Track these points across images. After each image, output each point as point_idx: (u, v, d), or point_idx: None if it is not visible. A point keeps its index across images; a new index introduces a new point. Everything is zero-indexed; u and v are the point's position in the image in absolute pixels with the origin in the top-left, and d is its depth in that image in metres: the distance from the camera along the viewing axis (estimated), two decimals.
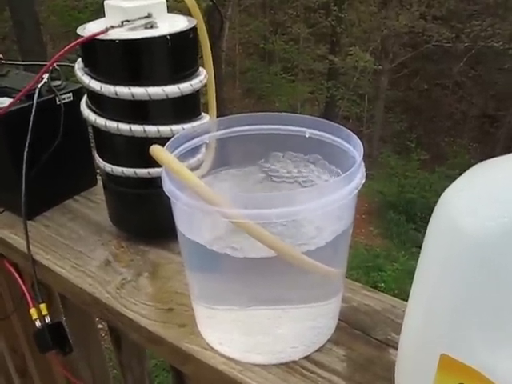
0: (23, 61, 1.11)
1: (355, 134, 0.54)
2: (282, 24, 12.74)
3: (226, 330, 0.57)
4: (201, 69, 0.70)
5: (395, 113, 12.91)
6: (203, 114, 0.73)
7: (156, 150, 0.50)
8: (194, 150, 0.60)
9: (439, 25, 11.59)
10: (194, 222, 0.52)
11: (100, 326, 1.19)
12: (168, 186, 0.49)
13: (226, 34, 11.38)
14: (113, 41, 0.63)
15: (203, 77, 0.69)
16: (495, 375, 0.39)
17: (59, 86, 0.81)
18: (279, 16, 12.82)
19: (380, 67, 11.34)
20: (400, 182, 9.86)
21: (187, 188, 0.47)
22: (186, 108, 0.69)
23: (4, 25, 10.52)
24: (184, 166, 0.47)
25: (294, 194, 0.49)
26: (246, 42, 13.12)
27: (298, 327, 0.56)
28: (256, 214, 0.44)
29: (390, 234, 8.73)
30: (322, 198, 0.45)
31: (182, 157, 0.57)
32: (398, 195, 9.56)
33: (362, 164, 0.50)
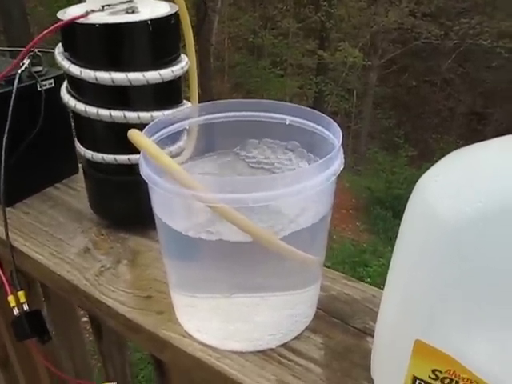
0: (5, 47, 1.10)
1: (337, 123, 0.54)
2: (271, 18, 12.72)
3: (203, 318, 0.57)
4: (183, 55, 0.70)
5: (383, 109, 12.94)
6: (185, 101, 0.72)
7: (134, 134, 0.49)
8: (175, 136, 0.59)
9: (428, 22, 11.63)
10: (171, 207, 0.52)
11: (85, 319, 1.18)
12: (145, 170, 0.49)
13: (215, 27, 11.34)
14: (93, 25, 0.62)
15: (185, 63, 0.69)
16: (468, 360, 0.39)
17: (40, 71, 0.80)
18: (269, 10, 12.80)
19: (369, 63, 11.36)
20: (387, 178, 9.89)
21: (164, 173, 0.47)
22: (167, 94, 0.69)
23: None
24: (161, 150, 0.47)
25: (272, 178, 0.48)
26: (235, 36, 13.08)
27: (276, 315, 0.56)
28: (232, 198, 0.44)
29: (377, 229, 8.76)
30: (299, 183, 0.45)
31: (161, 142, 0.56)
32: (385, 191, 9.60)
33: (341, 150, 0.50)
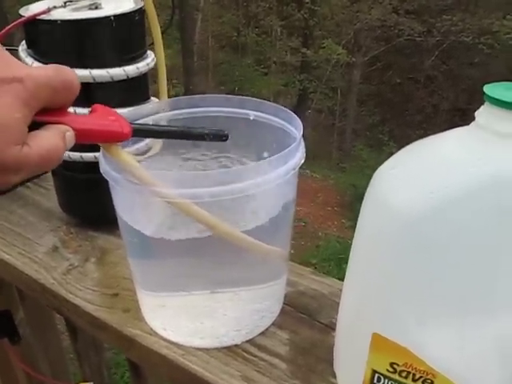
0: None
1: (298, 117, 0.53)
2: (254, 16, 12.70)
3: (169, 315, 0.57)
4: (149, 52, 0.69)
5: (368, 106, 12.98)
6: (152, 98, 0.72)
7: None
8: None
9: (411, 19, 11.68)
10: (132, 206, 0.51)
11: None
12: (104, 168, 0.48)
13: (198, 26, 11.31)
14: (55, 21, 0.61)
15: (151, 60, 0.68)
16: (424, 352, 0.39)
17: None
18: (252, 8, 12.78)
19: (353, 60, 11.39)
20: (372, 175, 9.90)
21: (123, 170, 0.46)
22: (133, 92, 0.68)
23: None
24: (119, 147, 0.46)
25: (230, 172, 0.48)
26: (218, 35, 13.04)
27: (241, 310, 0.56)
28: (190, 193, 0.43)
29: None
30: (259, 176, 0.45)
31: None
32: None
33: (302, 144, 0.50)
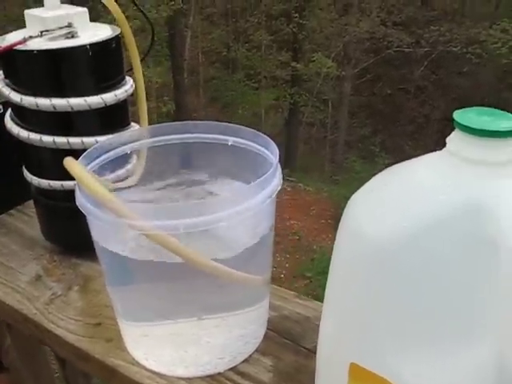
0: None
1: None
2: (243, 32, 12.78)
3: (152, 345, 0.56)
4: (127, 78, 0.69)
5: (359, 118, 13.03)
6: (133, 123, 0.72)
7: (68, 162, 0.49)
8: (122, 160, 0.59)
9: (399, 30, 11.78)
10: (108, 235, 0.51)
11: None
12: (79, 200, 0.48)
13: (188, 42, 11.36)
14: (31, 51, 0.61)
15: (129, 86, 0.68)
16: (402, 382, 0.38)
17: None
18: (241, 24, 12.86)
19: (343, 73, 11.45)
20: None
21: (98, 202, 0.46)
22: (112, 118, 0.68)
23: None
24: (94, 179, 0.46)
25: (206, 203, 0.48)
26: (208, 51, 13.10)
27: (223, 337, 0.55)
28: (164, 225, 0.43)
29: None
30: (234, 206, 0.45)
31: (102, 168, 0.56)
32: None
33: (279, 169, 0.50)
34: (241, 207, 0.45)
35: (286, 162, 9.14)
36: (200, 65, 12.49)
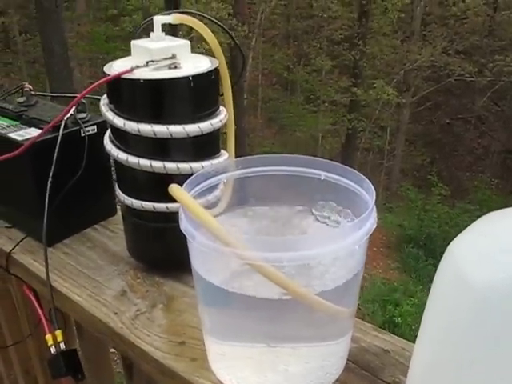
0: (52, 92, 1.15)
1: (369, 179, 0.55)
2: (305, 55, 12.87)
3: (236, 366, 0.58)
4: (221, 108, 0.73)
5: (416, 146, 12.90)
6: (222, 151, 0.75)
7: (175, 190, 0.52)
8: (212, 188, 0.61)
9: (461, 59, 11.64)
10: (208, 260, 0.53)
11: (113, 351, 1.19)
12: (184, 225, 0.51)
13: (248, 63, 11.50)
14: (138, 80, 0.65)
15: (223, 116, 0.71)
16: None
17: (84, 118, 0.84)
18: (303, 47, 12.95)
19: (403, 101, 11.37)
20: (419, 216, 9.79)
21: (203, 227, 0.49)
22: (206, 146, 0.71)
23: (35, 49, 10.83)
24: (201, 207, 0.49)
25: (308, 237, 0.50)
26: (268, 73, 13.24)
27: (306, 366, 0.57)
28: (270, 257, 0.45)
29: (408, 268, 8.65)
30: (333, 243, 0.47)
31: (200, 195, 0.58)
32: (417, 229, 9.50)
33: (374, 209, 0.52)
34: (340, 244, 0.47)
35: None
36: (259, 86, 12.63)
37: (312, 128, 11.89)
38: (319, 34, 12.68)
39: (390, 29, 12.38)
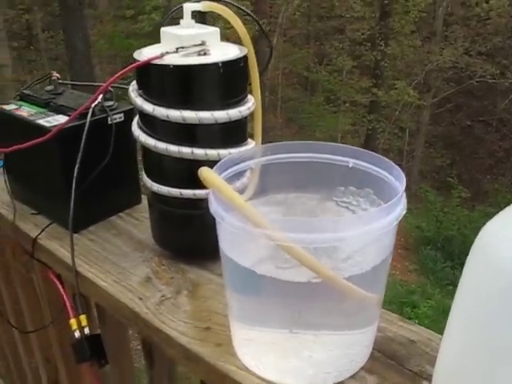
0: (78, 81, 1.16)
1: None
2: (326, 55, 12.83)
3: (262, 352, 0.59)
4: (249, 96, 0.73)
5: (436, 148, 12.79)
6: (249, 139, 0.75)
7: (205, 172, 0.52)
8: (239, 174, 0.62)
9: (483, 60, 11.52)
10: (238, 243, 0.54)
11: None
12: (214, 207, 0.51)
13: (270, 62, 11.49)
14: (167, 65, 0.65)
15: (251, 104, 0.71)
16: None
17: (111, 106, 0.85)
18: (324, 47, 12.91)
19: (424, 103, 11.30)
20: (438, 218, 9.71)
21: (233, 210, 0.49)
22: (234, 133, 0.71)
23: (57, 47, 10.95)
24: (232, 189, 0.49)
25: (337, 220, 0.50)
26: (289, 72, 13.23)
27: (332, 353, 0.57)
28: (300, 238, 0.46)
29: (426, 270, 8.59)
30: (363, 226, 0.47)
31: (228, 180, 0.59)
32: (435, 231, 9.42)
33: (404, 196, 0.51)
34: (370, 227, 0.47)
35: None
36: (279, 85, 12.62)
37: (331, 128, 11.85)
38: (341, 35, 12.63)
39: (412, 29, 12.31)
